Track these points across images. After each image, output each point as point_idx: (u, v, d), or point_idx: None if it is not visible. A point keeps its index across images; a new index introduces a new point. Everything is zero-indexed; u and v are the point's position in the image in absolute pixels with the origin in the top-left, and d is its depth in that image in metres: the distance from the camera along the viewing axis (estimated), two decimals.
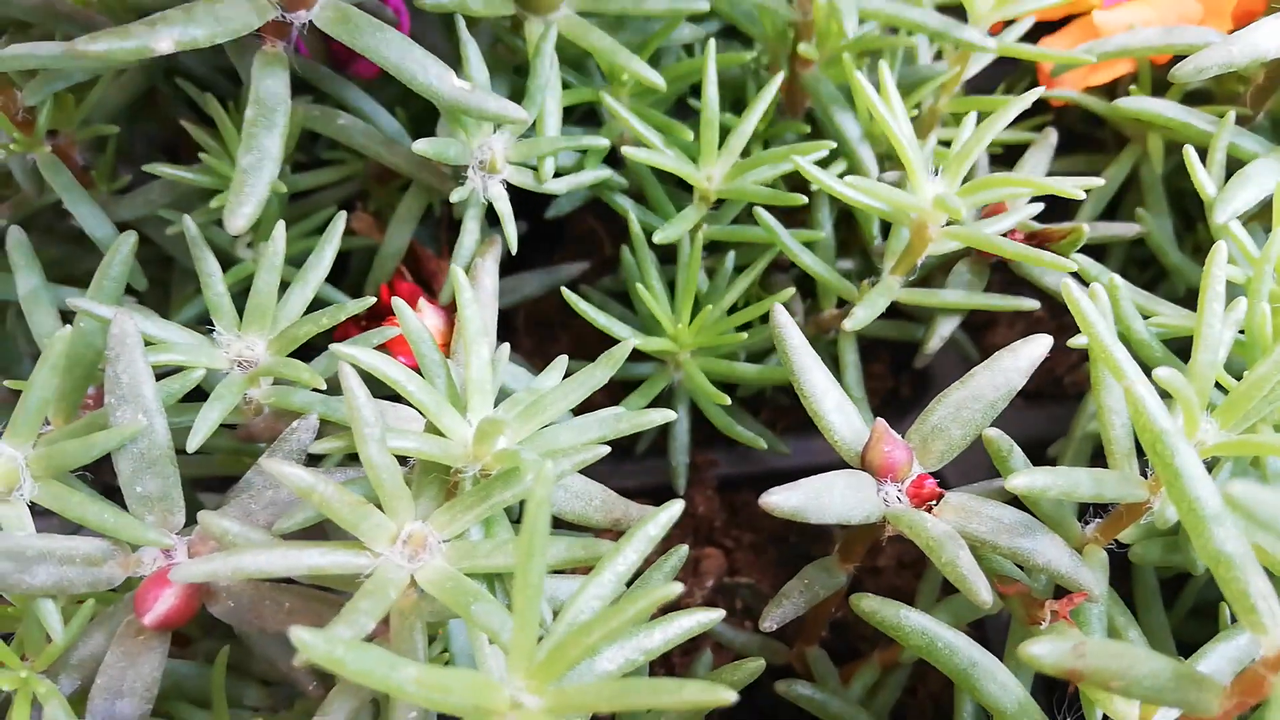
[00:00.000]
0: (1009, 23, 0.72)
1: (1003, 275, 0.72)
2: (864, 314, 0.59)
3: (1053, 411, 0.81)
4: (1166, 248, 0.71)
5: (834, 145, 0.61)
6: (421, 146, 0.57)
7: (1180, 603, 0.68)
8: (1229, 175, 0.61)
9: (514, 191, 0.62)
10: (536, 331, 0.88)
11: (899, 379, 0.87)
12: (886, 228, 0.68)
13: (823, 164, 0.61)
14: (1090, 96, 0.73)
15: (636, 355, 0.71)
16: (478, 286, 0.61)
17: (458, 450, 0.47)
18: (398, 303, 0.49)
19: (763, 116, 0.65)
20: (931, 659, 0.49)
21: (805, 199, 0.63)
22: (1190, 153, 0.59)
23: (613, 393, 0.68)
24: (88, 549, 0.49)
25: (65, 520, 0.50)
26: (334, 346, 0.46)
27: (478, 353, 0.49)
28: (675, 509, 0.45)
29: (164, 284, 0.71)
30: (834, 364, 0.72)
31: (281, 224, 0.54)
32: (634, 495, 0.80)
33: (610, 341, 0.61)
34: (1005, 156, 0.75)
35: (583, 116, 0.75)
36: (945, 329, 0.67)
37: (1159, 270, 0.79)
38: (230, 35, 0.52)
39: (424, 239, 0.72)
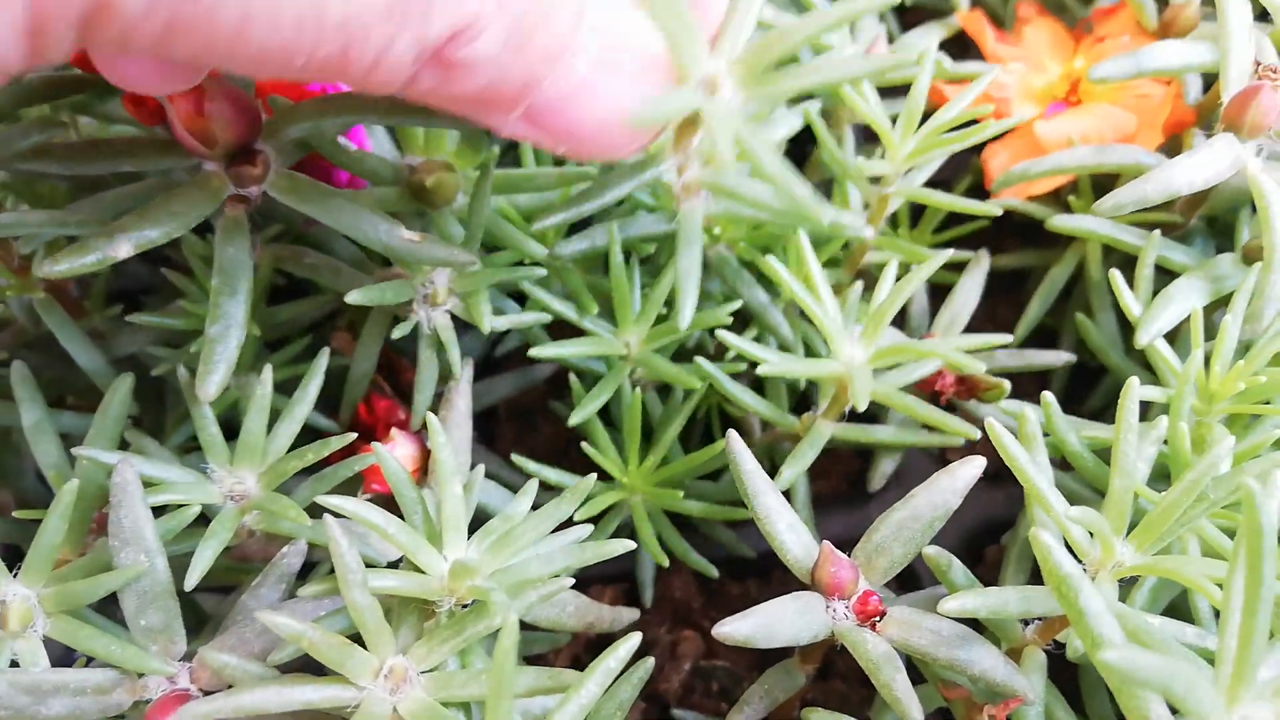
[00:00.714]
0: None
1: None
2: (790, 473, 0.64)
3: (1011, 492, 0.85)
4: (1108, 348, 0.75)
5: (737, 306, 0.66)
6: (355, 298, 0.60)
7: None
8: (1159, 287, 0.66)
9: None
10: (517, 421, 0.92)
11: (866, 461, 0.91)
12: None
13: (735, 325, 0.65)
14: (1032, 204, 0.77)
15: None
16: (451, 409, 0.65)
17: (434, 585, 0.51)
18: (378, 448, 0.54)
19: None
20: None
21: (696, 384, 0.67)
22: (1115, 276, 0.63)
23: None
24: (98, 679, 0.53)
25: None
26: (319, 498, 0.50)
27: (451, 491, 0.53)
28: (633, 641, 0.49)
29: (159, 402, 0.75)
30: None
31: (269, 368, 0.58)
32: (607, 580, 0.85)
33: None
34: (951, 269, 0.79)
35: None
36: (888, 466, 0.71)
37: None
38: (186, 228, 0.55)
39: (399, 348, 0.76)
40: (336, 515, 0.55)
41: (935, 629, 0.55)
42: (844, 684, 0.81)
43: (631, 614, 0.67)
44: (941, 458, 0.90)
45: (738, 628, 0.51)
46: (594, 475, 0.55)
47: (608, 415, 0.74)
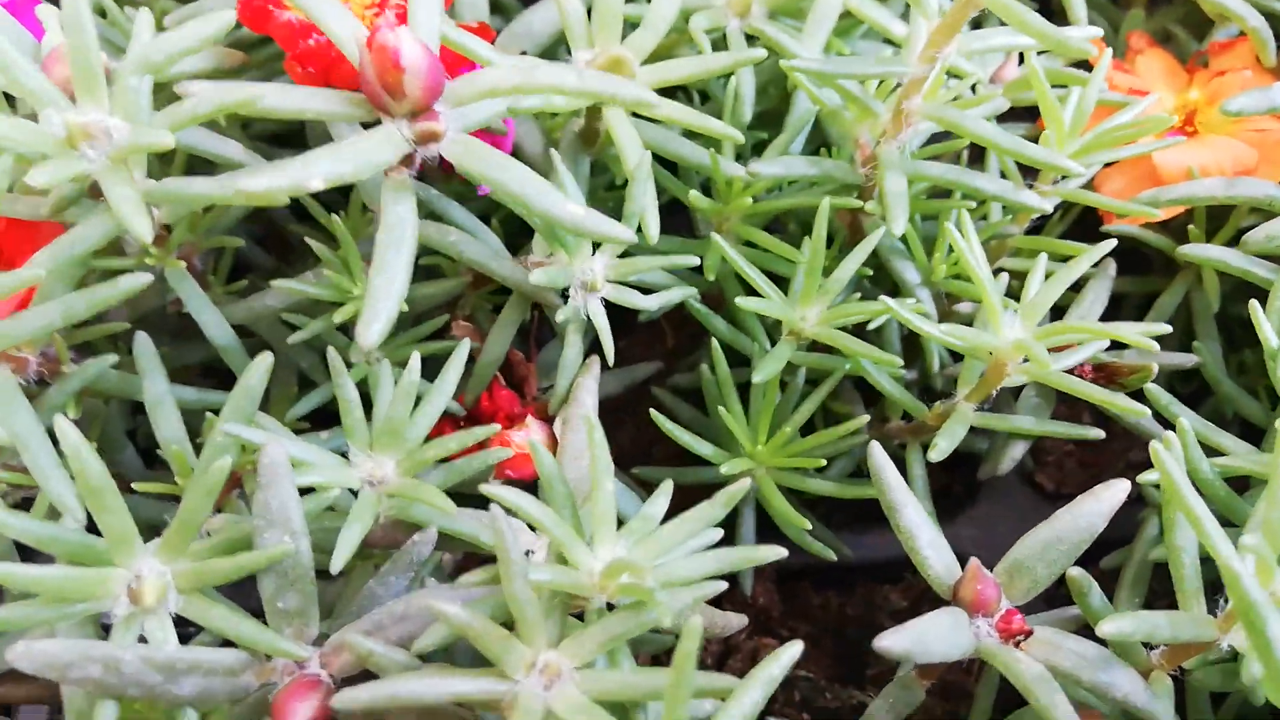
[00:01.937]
0: None
1: (1066, 396, 0.76)
2: (945, 445, 0.63)
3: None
4: (1219, 377, 0.75)
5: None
6: (538, 278, 0.61)
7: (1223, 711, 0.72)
8: None
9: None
10: (605, 418, 0.91)
11: (952, 476, 0.90)
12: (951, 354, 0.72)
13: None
14: (1151, 233, 0.77)
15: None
16: (579, 405, 0.65)
17: (587, 581, 0.50)
18: (535, 445, 0.53)
19: (827, 255, 0.69)
20: None
21: (892, 358, 0.67)
22: (1255, 306, 0.63)
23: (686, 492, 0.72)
24: (229, 660, 0.52)
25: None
26: (485, 488, 0.49)
27: (604, 488, 0.53)
28: (795, 650, 0.48)
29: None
30: (901, 471, 0.76)
31: (417, 354, 0.58)
32: None
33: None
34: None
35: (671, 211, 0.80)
36: (1016, 451, 0.71)
37: (1202, 384, 0.83)
38: (372, 170, 0.56)
39: (515, 344, 0.75)
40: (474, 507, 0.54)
41: (1079, 651, 0.54)
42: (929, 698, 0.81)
43: (740, 620, 0.66)
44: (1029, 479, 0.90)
45: (897, 641, 0.50)
46: (746, 482, 0.54)
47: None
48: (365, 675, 0.53)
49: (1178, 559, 0.57)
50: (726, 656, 0.85)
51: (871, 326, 0.73)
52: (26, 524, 0.51)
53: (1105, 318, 0.89)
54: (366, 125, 0.58)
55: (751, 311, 0.68)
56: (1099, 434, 0.68)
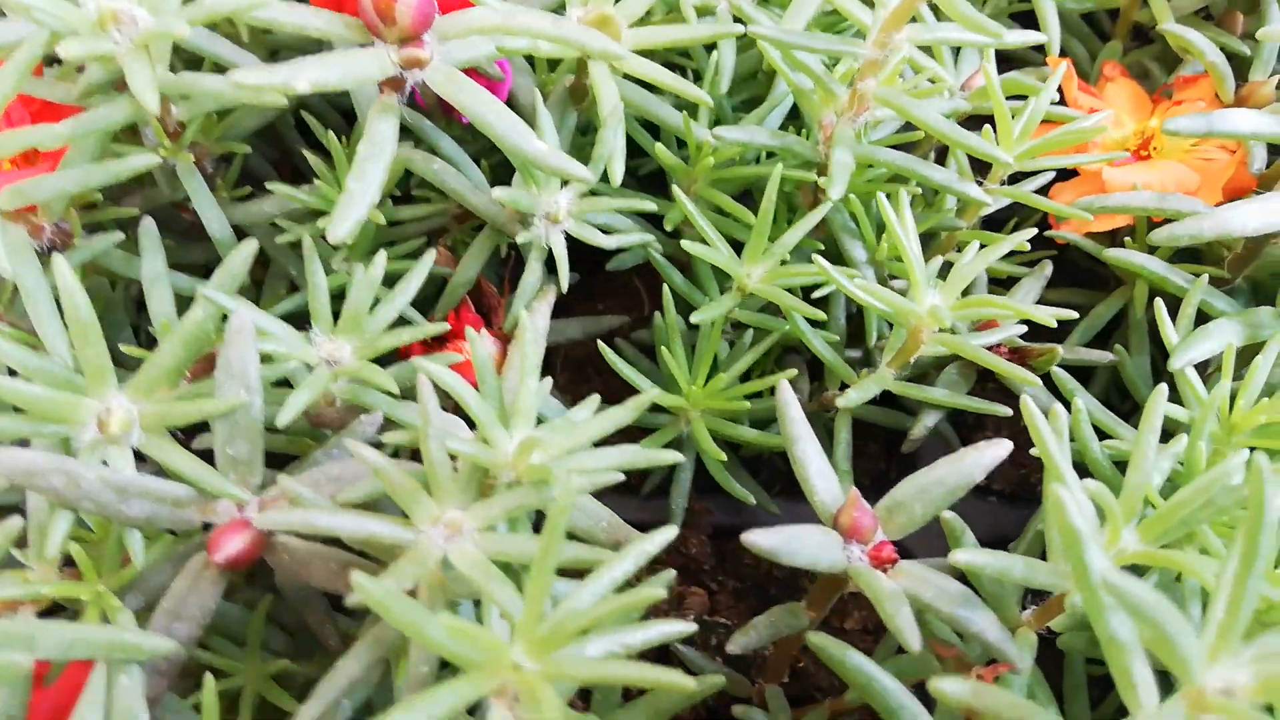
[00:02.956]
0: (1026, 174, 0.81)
1: (994, 384, 0.81)
2: (856, 395, 0.68)
3: (1023, 513, 0.89)
4: (1139, 383, 0.80)
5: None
6: (500, 194, 0.67)
7: (1106, 704, 0.76)
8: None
9: (572, 245, 0.72)
10: (570, 371, 0.98)
11: (889, 463, 0.95)
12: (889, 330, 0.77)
13: None
14: (1089, 240, 0.82)
15: (656, 407, 0.81)
16: (532, 324, 0.71)
17: (500, 459, 0.56)
18: (471, 333, 0.59)
19: (787, 228, 0.75)
20: (867, 696, 0.57)
21: (824, 315, 0.73)
22: (1160, 305, 0.68)
23: (630, 436, 0.77)
24: (178, 493, 0.58)
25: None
26: (415, 360, 0.56)
27: (528, 383, 0.59)
28: (670, 533, 0.53)
29: (258, 282, 0.81)
30: (830, 438, 0.81)
31: (383, 252, 0.64)
32: (636, 528, 0.90)
33: (633, 390, 0.72)
34: (1006, 283, 0.85)
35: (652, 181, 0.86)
36: (930, 420, 0.76)
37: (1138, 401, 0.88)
38: (355, 83, 0.62)
39: (489, 276, 0.82)
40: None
41: (942, 585, 0.59)
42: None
43: (664, 535, 0.72)
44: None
45: (765, 537, 0.55)
46: (656, 390, 0.60)
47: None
48: None
49: (1050, 522, 0.62)
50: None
51: (817, 295, 0.78)
52: (20, 352, 0.58)
53: (1050, 331, 0.94)
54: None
55: (704, 263, 0.74)
56: (1005, 411, 0.73)
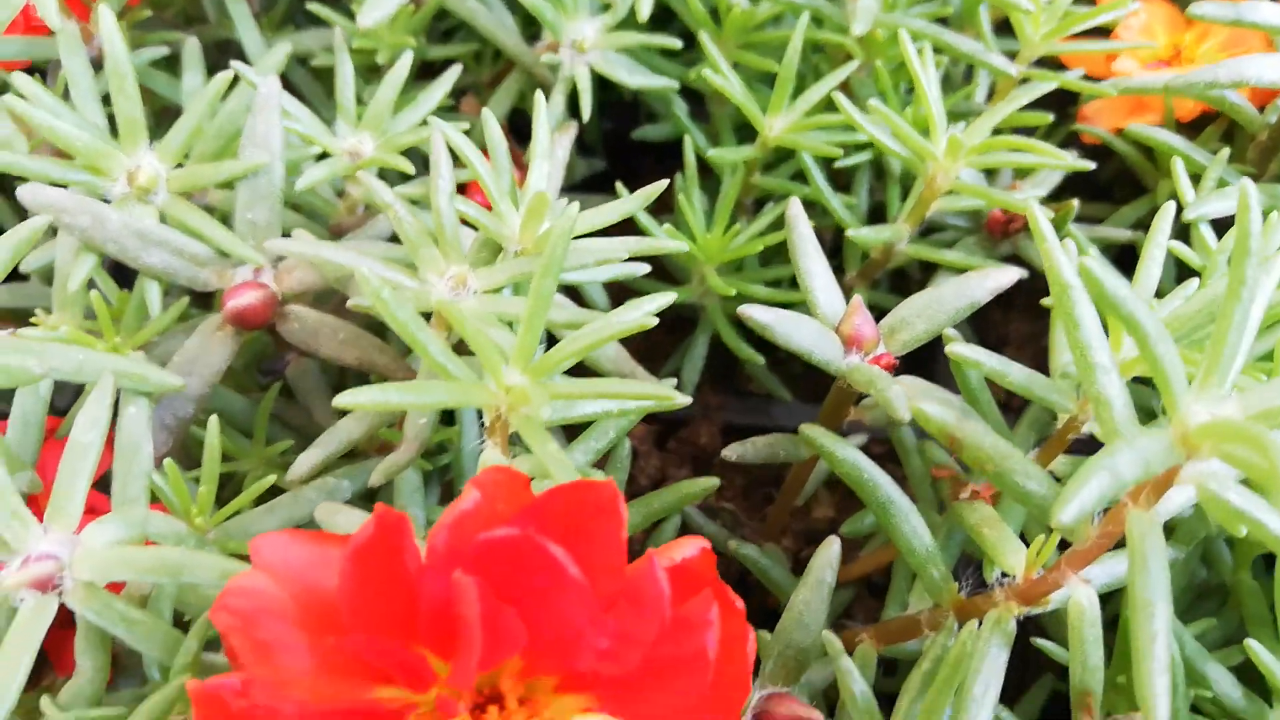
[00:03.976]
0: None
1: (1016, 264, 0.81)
2: (869, 233, 0.69)
3: None
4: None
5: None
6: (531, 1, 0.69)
7: None
8: None
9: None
10: None
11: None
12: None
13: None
14: (1118, 140, 0.82)
15: (669, 277, 0.82)
16: (552, 151, 0.72)
17: (507, 231, 0.57)
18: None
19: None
20: (857, 489, 0.57)
21: (841, 152, 0.73)
22: (1176, 162, 0.68)
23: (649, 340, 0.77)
24: (196, 249, 0.60)
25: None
26: (431, 118, 0.57)
27: (539, 166, 0.60)
28: (668, 298, 0.54)
29: None
30: None
31: (409, 52, 0.66)
32: (647, 418, 0.90)
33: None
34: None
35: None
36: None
37: None
38: None
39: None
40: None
41: (946, 399, 0.59)
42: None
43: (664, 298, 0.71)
44: None
45: (764, 313, 0.56)
46: (663, 240, 0.60)
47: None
48: None
49: (1054, 349, 0.62)
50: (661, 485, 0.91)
51: (839, 165, 0.79)
52: (58, 108, 0.61)
53: None
54: None
55: (725, 121, 0.75)
56: (1020, 272, 0.72)
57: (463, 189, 0.76)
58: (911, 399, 0.53)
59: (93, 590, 0.47)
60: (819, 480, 0.75)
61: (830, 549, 0.55)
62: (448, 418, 0.68)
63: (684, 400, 0.50)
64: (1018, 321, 0.94)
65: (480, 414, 0.69)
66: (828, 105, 0.76)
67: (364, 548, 0.40)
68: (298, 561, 0.43)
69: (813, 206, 0.80)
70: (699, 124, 0.83)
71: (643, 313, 0.50)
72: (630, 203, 0.60)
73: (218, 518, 0.56)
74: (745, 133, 0.82)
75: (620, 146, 0.94)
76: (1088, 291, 0.46)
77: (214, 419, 0.56)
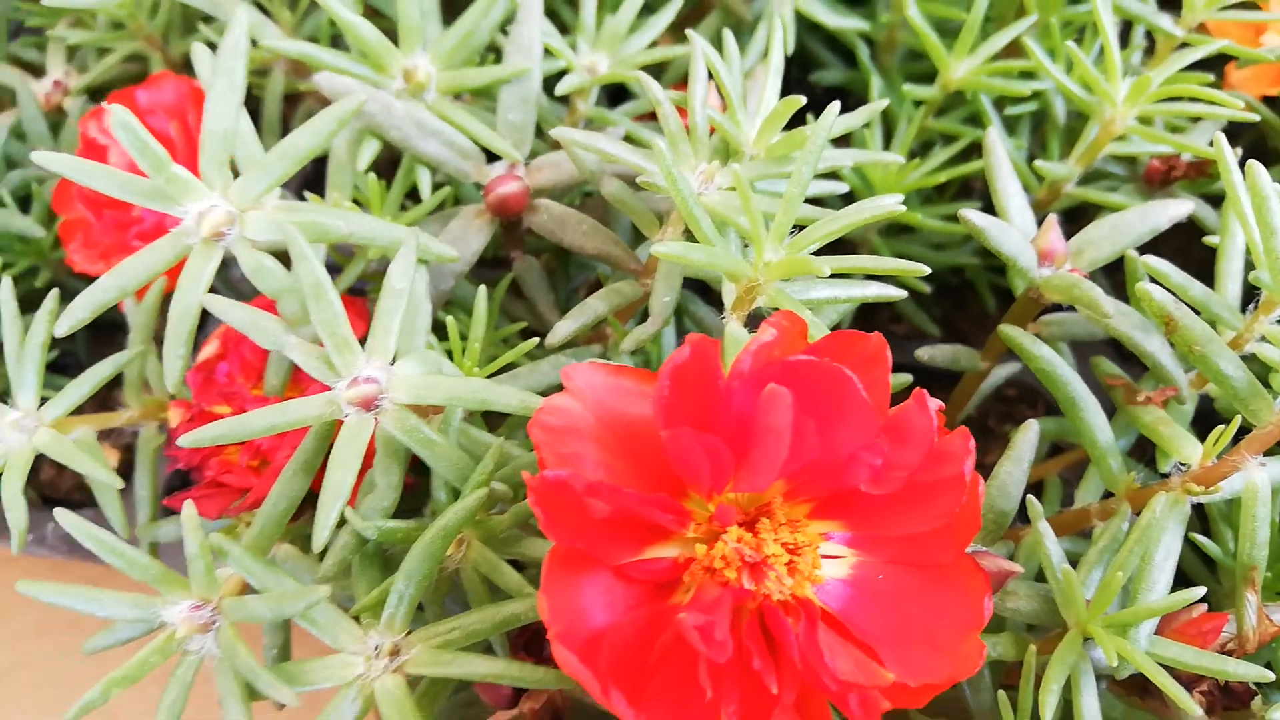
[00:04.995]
0: None
1: None
2: (1053, 166, 0.75)
3: None
4: None
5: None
6: None
7: None
8: None
9: None
10: None
11: None
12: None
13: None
14: (1264, 107, 0.88)
15: None
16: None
17: (744, 137, 0.64)
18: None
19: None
20: (1048, 384, 0.63)
21: (1029, 91, 0.80)
22: None
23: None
24: (463, 143, 0.68)
25: None
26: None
27: (772, 82, 0.67)
28: (897, 198, 0.61)
29: None
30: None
31: None
32: None
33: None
34: None
35: None
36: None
37: None
38: None
39: None
40: None
41: (1123, 310, 0.66)
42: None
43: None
44: None
45: (978, 217, 0.63)
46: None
47: None
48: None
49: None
50: None
51: (1009, 113, 0.85)
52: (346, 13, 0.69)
53: None
54: None
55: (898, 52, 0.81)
56: (1187, 206, 0.78)
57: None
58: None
59: (403, 413, 0.55)
60: (981, 397, 0.80)
61: (1030, 430, 0.62)
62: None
63: (899, 294, 0.57)
64: None
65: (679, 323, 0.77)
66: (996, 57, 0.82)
67: (682, 366, 0.47)
68: (600, 387, 0.50)
69: (975, 149, 0.87)
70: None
71: (892, 202, 0.57)
72: (856, 117, 0.67)
73: (484, 372, 0.63)
74: (914, 80, 0.89)
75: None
76: None
77: (482, 288, 0.64)
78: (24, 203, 0.87)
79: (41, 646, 1.04)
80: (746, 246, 0.61)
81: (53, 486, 0.94)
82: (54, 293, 0.65)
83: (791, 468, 0.48)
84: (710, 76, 0.64)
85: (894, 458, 0.48)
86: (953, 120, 0.86)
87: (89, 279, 0.61)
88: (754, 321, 0.57)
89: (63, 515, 0.52)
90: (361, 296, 0.71)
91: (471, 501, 0.54)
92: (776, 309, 0.54)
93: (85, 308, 0.58)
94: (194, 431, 0.53)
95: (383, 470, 0.57)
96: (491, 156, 0.69)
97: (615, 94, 0.87)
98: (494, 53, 0.77)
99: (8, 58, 0.96)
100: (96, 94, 0.94)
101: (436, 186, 0.74)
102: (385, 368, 0.55)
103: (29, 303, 0.85)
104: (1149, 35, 0.87)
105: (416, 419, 0.55)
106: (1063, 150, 0.86)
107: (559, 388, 0.49)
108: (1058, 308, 0.70)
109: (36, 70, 0.94)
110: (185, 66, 0.94)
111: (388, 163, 0.75)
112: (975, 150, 0.90)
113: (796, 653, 0.46)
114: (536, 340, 0.64)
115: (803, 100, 0.61)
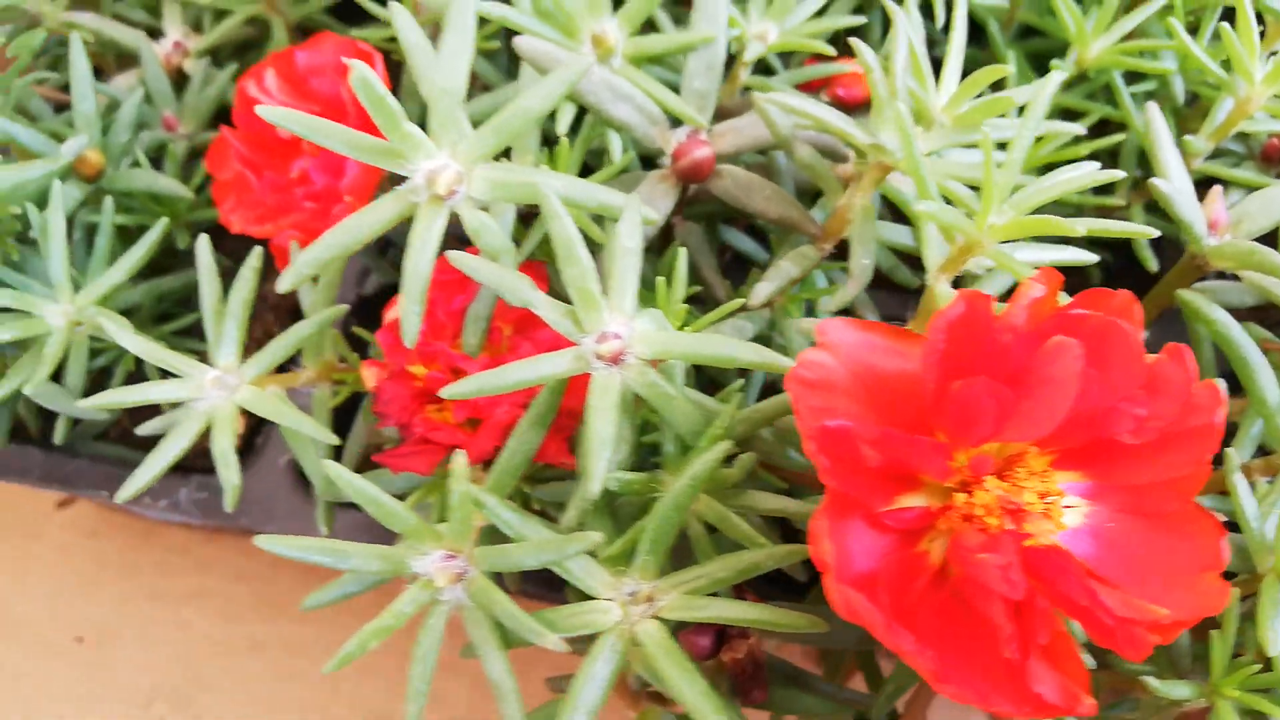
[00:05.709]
0: None
1: None
2: (1188, 138, 0.78)
3: None
4: None
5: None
6: None
7: None
8: None
9: None
10: None
11: None
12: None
13: None
14: None
15: None
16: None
17: (935, 104, 0.66)
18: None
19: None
20: (1222, 344, 0.66)
21: (1173, 69, 0.83)
22: None
23: None
24: (652, 109, 0.69)
25: None
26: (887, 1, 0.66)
27: (954, 58, 0.69)
28: (1095, 167, 0.63)
29: None
30: None
31: None
32: None
33: None
34: None
35: None
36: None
37: None
38: None
39: None
40: None
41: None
42: None
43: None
44: None
45: (1165, 185, 0.65)
46: None
47: None
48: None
49: None
50: None
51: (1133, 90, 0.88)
52: None
53: None
54: None
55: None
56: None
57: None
58: None
59: (644, 368, 0.56)
60: None
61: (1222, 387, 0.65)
62: None
63: (1092, 258, 0.60)
64: None
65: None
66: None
67: (957, 321, 0.49)
68: (853, 342, 0.52)
69: (1106, 125, 0.90)
70: None
71: (1093, 168, 0.60)
72: (1026, 91, 0.69)
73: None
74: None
75: None
76: None
77: (682, 249, 0.65)
78: (154, 164, 0.86)
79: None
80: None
81: None
82: (257, 250, 0.65)
83: (1099, 403, 0.50)
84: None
85: (1153, 408, 0.51)
86: (1076, 96, 0.89)
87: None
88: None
89: (332, 466, 0.53)
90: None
91: (719, 451, 0.55)
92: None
93: (309, 264, 0.59)
94: (456, 384, 0.54)
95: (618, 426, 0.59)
96: (674, 123, 0.70)
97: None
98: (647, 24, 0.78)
99: (114, 17, 0.95)
100: (214, 56, 0.93)
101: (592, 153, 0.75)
102: (628, 323, 0.56)
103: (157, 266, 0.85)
104: (1260, 17, 0.90)
105: (655, 373, 0.57)
106: (1179, 128, 0.89)
107: None
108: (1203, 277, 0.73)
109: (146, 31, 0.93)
110: (302, 32, 0.94)
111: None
112: (1101, 126, 0.93)
113: (1078, 590, 0.48)
114: (741, 301, 0.65)
115: (1009, 69, 0.63)
